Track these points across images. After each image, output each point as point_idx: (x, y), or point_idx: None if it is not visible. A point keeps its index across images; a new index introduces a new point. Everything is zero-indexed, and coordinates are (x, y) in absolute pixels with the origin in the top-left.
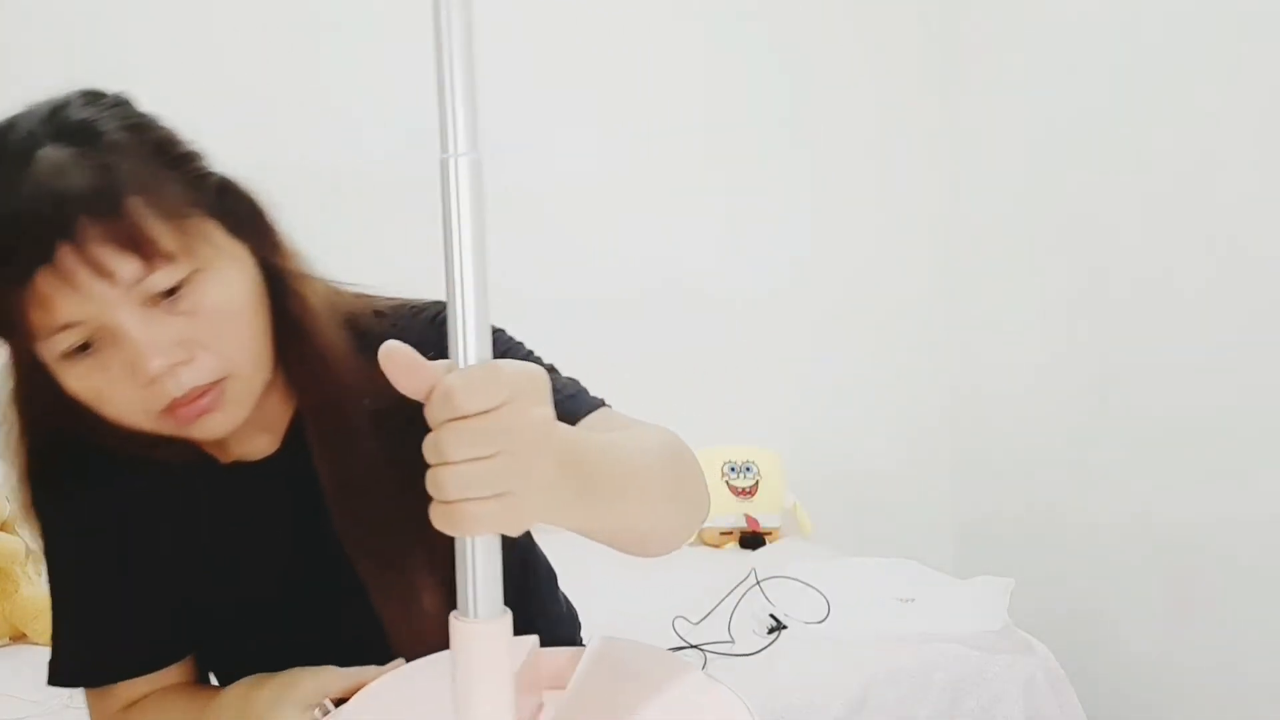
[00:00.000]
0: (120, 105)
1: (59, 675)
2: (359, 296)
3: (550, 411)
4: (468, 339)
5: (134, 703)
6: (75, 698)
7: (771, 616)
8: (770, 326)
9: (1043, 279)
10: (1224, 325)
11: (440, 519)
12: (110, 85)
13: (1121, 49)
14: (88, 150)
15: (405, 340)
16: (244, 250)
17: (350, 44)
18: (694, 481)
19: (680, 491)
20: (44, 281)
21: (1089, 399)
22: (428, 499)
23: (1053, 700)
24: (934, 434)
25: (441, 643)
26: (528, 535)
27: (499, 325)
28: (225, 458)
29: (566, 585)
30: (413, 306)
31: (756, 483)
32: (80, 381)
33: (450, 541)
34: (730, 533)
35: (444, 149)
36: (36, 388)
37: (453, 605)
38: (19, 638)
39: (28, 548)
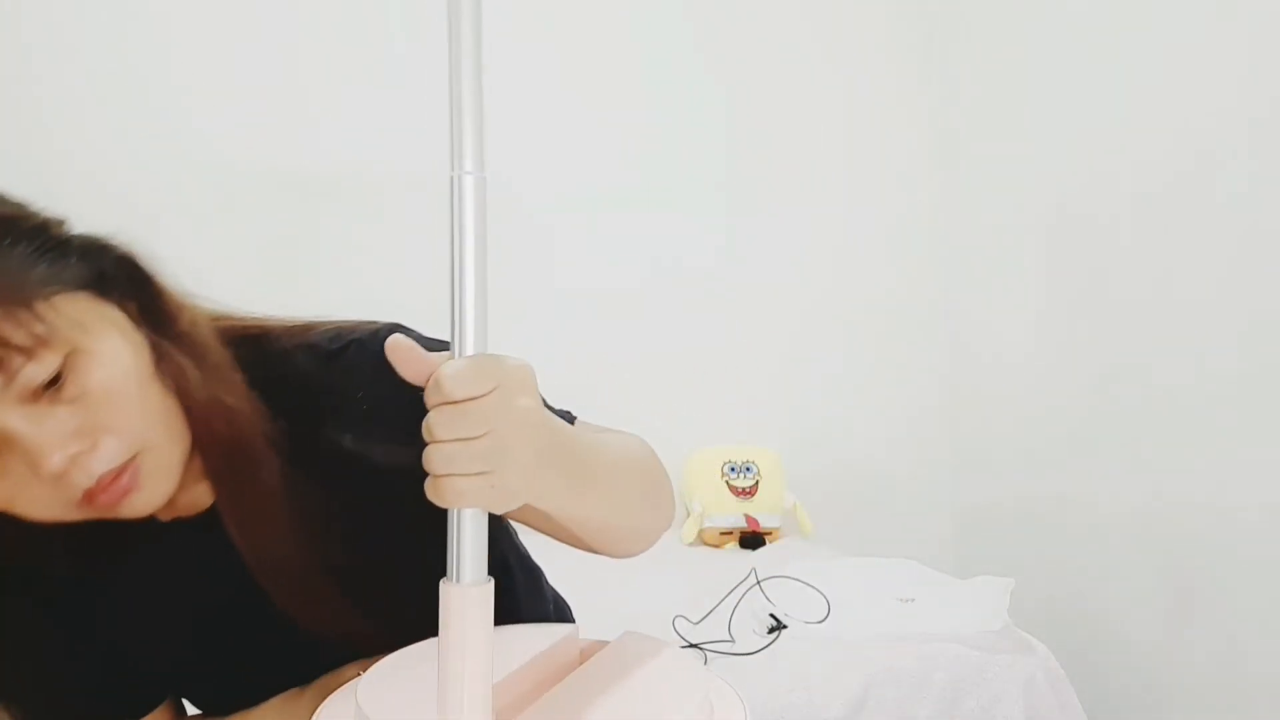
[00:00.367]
0: None
1: None
2: (258, 326)
3: (536, 402)
4: (465, 335)
5: None
6: None
7: (771, 616)
8: (770, 326)
9: (1042, 278)
10: (1223, 322)
11: (430, 491)
12: (110, 85)
13: (1121, 48)
14: None
15: (292, 374)
16: (121, 315)
17: (351, 44)
18: (666, 488)
19: (655, 494)
20: None
21: (1087, 397)
22: (356, 545)
23: (1053, 700)
24: (934, 432)
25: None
26: (507, 536)
27: (498, 325)
28: (166, 516)
29: (566, 585)
30: (316, 338)
31: (756, 483)
32: None
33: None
34: (730, 533)
35: (453, 166)
36: None
37: (386, 636)
38: None
39: None
